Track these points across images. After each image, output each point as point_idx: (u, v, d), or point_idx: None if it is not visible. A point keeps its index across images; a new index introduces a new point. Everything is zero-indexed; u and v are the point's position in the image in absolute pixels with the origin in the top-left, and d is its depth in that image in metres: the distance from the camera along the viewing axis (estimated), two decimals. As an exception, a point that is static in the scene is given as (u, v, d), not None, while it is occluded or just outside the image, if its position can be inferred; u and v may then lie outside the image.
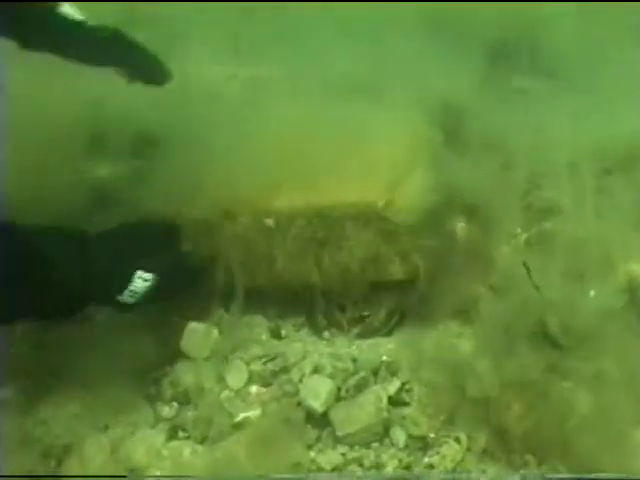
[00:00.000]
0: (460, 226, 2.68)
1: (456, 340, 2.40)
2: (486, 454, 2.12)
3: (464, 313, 2.46)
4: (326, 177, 2.47)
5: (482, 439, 2.13)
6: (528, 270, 2.43)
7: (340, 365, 2.29)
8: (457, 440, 2.14)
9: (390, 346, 2.41)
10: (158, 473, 2.01)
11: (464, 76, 3.46)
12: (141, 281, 2.01)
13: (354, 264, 2.40)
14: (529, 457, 2.07)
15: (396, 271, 2.45)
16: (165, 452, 2.08)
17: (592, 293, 2.37)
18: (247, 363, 2.33)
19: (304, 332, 2.50)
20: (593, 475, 1.98)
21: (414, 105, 3.07)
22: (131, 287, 2.00)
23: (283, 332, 2.48)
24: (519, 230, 2.78)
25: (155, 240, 2.21)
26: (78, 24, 2.25)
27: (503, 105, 3.27)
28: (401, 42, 3.76)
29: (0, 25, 2.07)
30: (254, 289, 2.40)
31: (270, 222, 2.41)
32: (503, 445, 2.10)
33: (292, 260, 2.40)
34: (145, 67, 2.47)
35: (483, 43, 3.83)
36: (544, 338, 2.23)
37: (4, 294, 1.75)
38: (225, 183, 2.44)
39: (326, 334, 2.47)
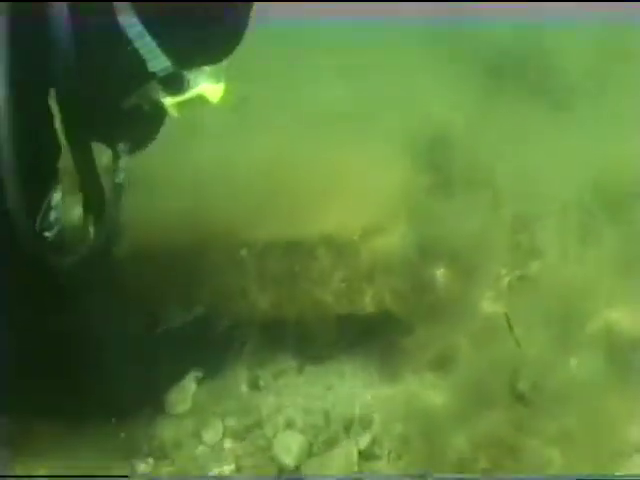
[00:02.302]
0: (440, 272, 2.84)
1: (430, 392, 2.56)
2: (454, 509, 2.28)
3: (441, 363, 2.63)
4: (304, 209, 2.67)
5: (447, 494, 2.29)
6: (510, 324, 2.57)
7: (312, 420, 2.47)
8: (425, 495, 2.31)
9: (366, 397, 2.59)
10: (132, 531, 2.22)
11: (461, 105, 3.62)
12: None
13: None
14: (495, 513, 2.23)
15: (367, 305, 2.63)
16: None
17: (573, 362, 2.51)
18: (222, 417, 2.52)
19: (282, 381, 2.67)
20: (593, 475, 2.12)
21: (403, 141, 3.26)
22: None
23: (261, 383, 2.67)
24: (503, 272, 2.92)
25: None
26: None
27: (496, 139, 3.41)
28: (400, 71, 3.94)
29: None
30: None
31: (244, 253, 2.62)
32: (471, 500, 2.27)
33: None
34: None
35: (485, 70, 3.98)
36: (515, 394, 2.39)
37: None
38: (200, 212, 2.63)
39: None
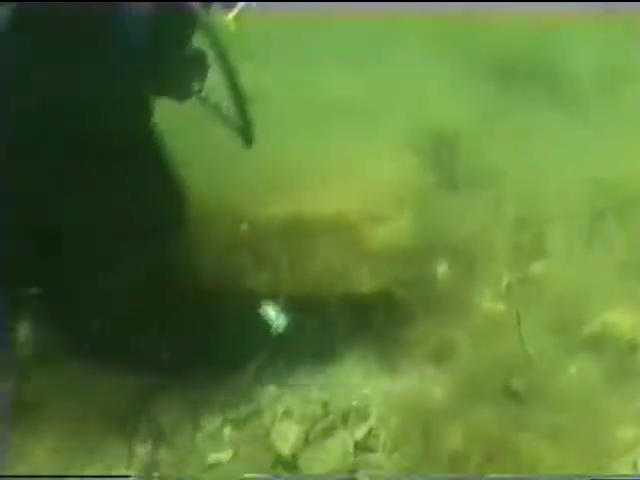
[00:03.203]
0: (441, 267, 2.93)
1: (428, 386, 2.65)
2: (445, 502, 2.37)
3: (440, 358, 2.72)
4: (308, 192, 2.75)
5: (441, 488, 2.38)
6: (519, 320, 2.65)
7: (309, 409, 2.56)
8: (417, 487, 2.40)
9: (363, 391, 2.67)
10: (127, 513, 2.31)
11: (469, 105, 3.69)
12: None
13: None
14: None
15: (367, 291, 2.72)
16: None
17: (570, 362, 2.59)
18: (221, 405, 2.61)
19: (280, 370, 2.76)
20: (594, 475, 2.20)
21: (410, 137, 3.33)
22: None
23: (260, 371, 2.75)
24: (504, 272, 3.00)
25: None
26: None
27: (504, 138, 3.48)
28: (411, 67, 3.99)
29: None
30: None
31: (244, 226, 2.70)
32: (462, 494, 2.35)
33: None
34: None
35: (495, 71, 4.04)
36: (510, 391, 2.48)
37: None
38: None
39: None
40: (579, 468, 2.27)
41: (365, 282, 2.72)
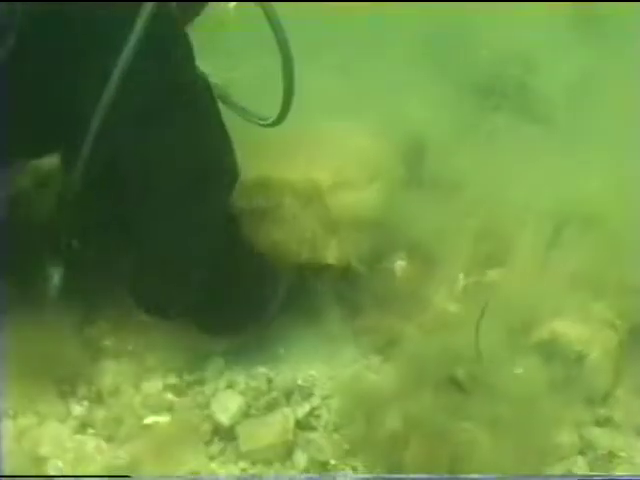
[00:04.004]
0: (399, 263, 2.99)
1: (374, 375, 2.69)
2: (380, 486, 2.39)
3: (388, 346, 2.76)
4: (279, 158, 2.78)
5: (380, 472, 2.40)
6: (483, 313, 2.67)
7: (254, 384, 2.58)
8: (354, 470, 2.42)
9: (310, 372, 2.70)
10: (60, 464, 2.29)
11: (441, 112, 3.76)
12: None
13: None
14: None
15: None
16: (69, 444, 2.36)
17: (515, 362, 2.65)
18: (164, 371, 2.62)
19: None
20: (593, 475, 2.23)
21: (384, 127, 3.38)
22: None
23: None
24: (461, 276, 3.06)
25: None
26: None
27: (474, 146, 3.56)
28: (386, 68, 4.06)
29: None
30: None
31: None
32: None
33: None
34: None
35: (470, 80, 4.14)
36: (454, 382, 2.53)
37: None
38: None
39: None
40: (514, 459, 2.31)
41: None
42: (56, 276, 2.37)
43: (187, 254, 2.40)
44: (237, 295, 2.59)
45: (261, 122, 2.56)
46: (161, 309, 2.50)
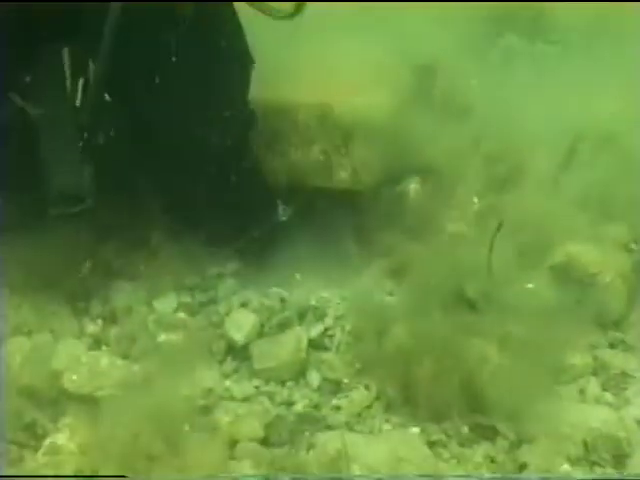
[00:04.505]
0: (414, 186, 2.97)
1: (386, 297, 2.70)
2: (393, 405, 2.41)
3: (400, 272, 2.76)
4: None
5: (391, 390, 2.42)
6: (498, 229, 2.64)
7: (267, 302, 2.59)
8: (367, 387, 2.44)
9: (323, 294, 2.71)
10: (74, 377, 2.32)
11: (455, 33, 3.69)
12: None
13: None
14: (433, 410, 2.36)
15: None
16: (84, 359, 2.38)
17: (530, 285, 2.65)
18: (177, 291, 2.63)
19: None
20: (594, 475, 2.25)
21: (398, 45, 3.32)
22: None
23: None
24: (475, 199, 3.04)
25: None
26: None
27: (486, 68, 3.51)
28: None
29: None
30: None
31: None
32: (410, 397, 2.40)
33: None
34: None
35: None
36: (463, 301, 2.53)
37: None
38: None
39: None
40: (526, 377, 2.33)
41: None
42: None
43: (202, 144, 2.44)
44: (239, 199, 2.63)
45: (279, 14, 2.52)
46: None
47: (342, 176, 2.75)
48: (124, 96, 2.32)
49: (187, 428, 2.22)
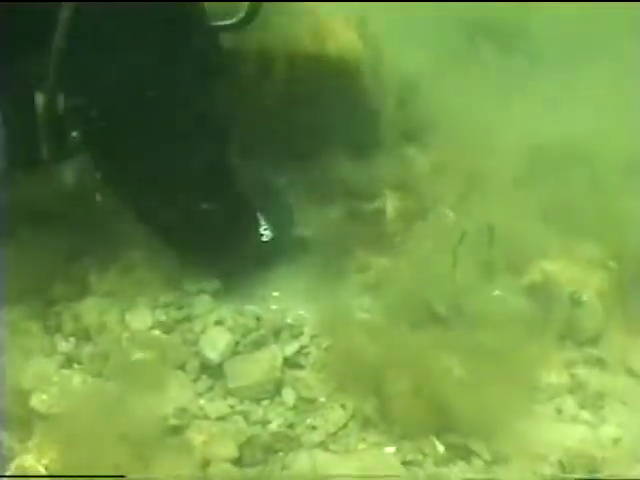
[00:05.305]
0: (391, 202, 2.99)
1: (363, 314, 2.70)
2: (369, 423, 2.40)
3: (376, 287, 2.77)
4: None
5: (367, 408, 2.41)
6: (461, 240, 2.63)
7: (242, 320, 2.58)
8: (343, 406, 2.42)
9: (299, 312, 2.70)
10: (44, 397, 2.29)
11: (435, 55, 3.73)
12: None
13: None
14: (409, 429, 2.35)
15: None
16: (55, 378, 2.36)
17: (496, 292, 2.66)
18: (152, 308, 2.61)
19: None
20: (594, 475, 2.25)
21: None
22: None
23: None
24: (451, 214, 3.06)
25: None
26: None
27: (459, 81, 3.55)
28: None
29: None
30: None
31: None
32: (385, 416, 2.39)
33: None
34: None
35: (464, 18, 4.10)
36: (438, 317, 2.54)
37: None
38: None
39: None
40: (502, 395, 2.32)
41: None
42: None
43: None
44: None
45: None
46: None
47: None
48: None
49: (159, 448, 2.19)
